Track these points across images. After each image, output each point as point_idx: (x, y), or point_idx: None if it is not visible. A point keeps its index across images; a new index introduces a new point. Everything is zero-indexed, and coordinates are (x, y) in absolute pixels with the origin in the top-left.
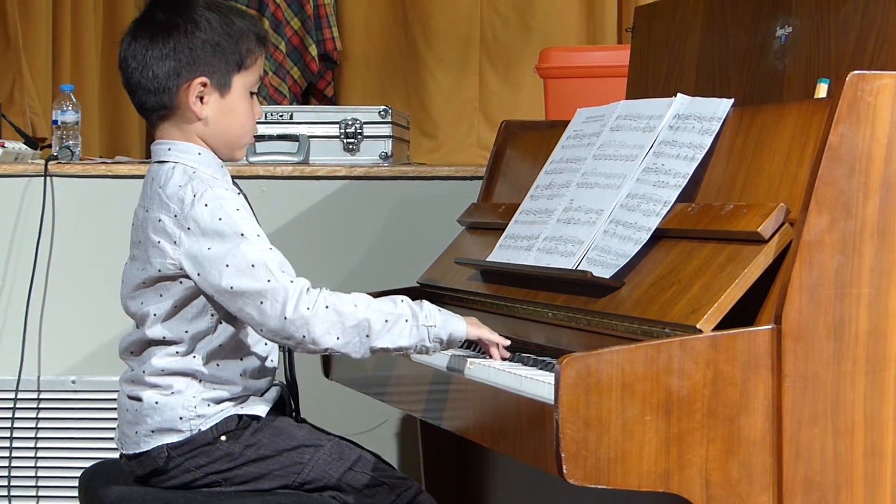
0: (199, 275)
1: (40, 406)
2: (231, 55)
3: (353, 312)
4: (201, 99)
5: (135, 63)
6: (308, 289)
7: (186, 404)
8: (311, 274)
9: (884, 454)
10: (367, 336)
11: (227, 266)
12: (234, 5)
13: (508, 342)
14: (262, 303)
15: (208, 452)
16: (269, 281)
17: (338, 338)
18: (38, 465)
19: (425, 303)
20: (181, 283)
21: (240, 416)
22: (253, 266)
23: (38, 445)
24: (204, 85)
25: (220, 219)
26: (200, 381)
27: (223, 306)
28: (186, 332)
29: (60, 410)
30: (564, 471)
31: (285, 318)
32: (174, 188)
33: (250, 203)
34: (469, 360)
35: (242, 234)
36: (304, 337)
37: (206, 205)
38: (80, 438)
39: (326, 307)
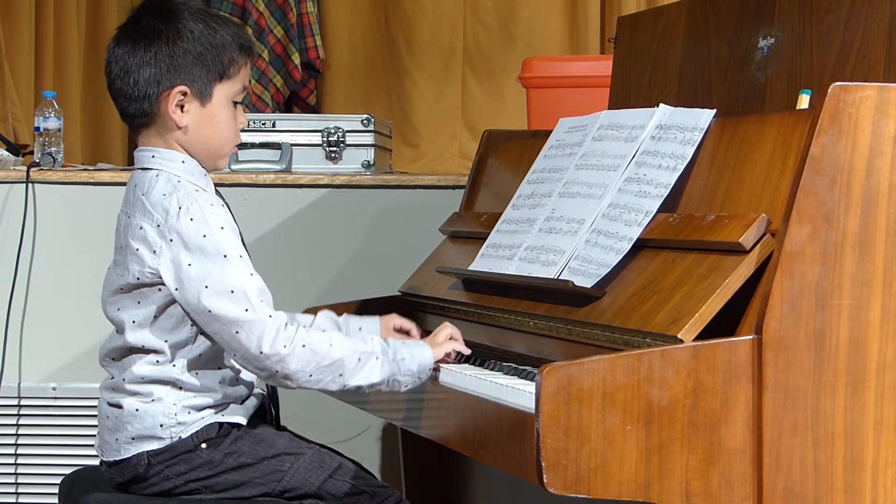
0: (177, 289)
1: (21, 413)
2: (213, 65)
3: (328, 352)
4: (181, 107)
5: (117, 69)
6: (286, 325)
7: (167, 412)
8: (294, 282)
9: (864, 465)
10: (341, 375)
11: (207, 287)
12: (221, 14)
13: (468, 351)
14: (237, 332)
15: (188, 460)
16: (246, 310)
17: (311, 375)
18: (19, 472)
19: (390, 339)
20: (160, 290)
21: (220, 424)
22: (232, 292)
23: (19, 452)
24: (184, 94)
25: (204, 235)
26: (180, 388)
27: (198, 324)
28: (166, 341)
29: (41, 417)
30: (545, 480)
31: (261, 352)
32: (158, 196)
33: (232, 212)
34: (449, 368)
35: (225, 256)
36: (277, 372)
37: (191, 219)
38: (61, 445)
39: (303, 346)
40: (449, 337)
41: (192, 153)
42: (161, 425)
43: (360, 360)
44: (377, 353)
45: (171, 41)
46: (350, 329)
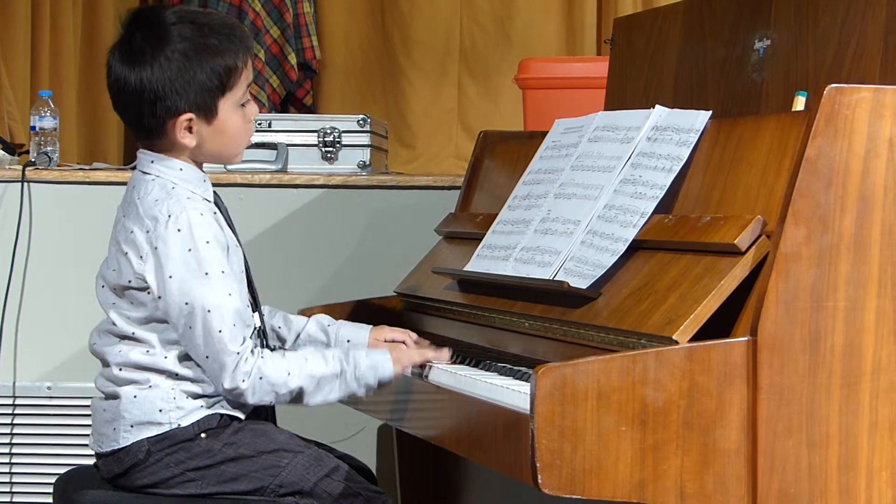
0: (160, 297)
1: (15, 412)
2: (212, 83)
3: (286, 382)
4: (189, 129)
5: (123, 97)
6: (247, 357)
7: (165, 396)
8: (290, 283)
9: (858, 467)
10: (300, 396)
11: (186, 304)
12: (212, 20)
13: (443, 356)
14: (207, 357)
15: (188, 448)
16: (220, 332)
17: (271, 401)
18: (13, 471)
19: (352, 351)
20: (148, 293)
21: (221, 415)
22: (209, 312)
23: (13, 451)
24: (189, 120)
25: (189, 250)
26: (175, 377)
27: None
28: (157, 337)
29: (36, 417)
30: (539, 481)
31: (223, 385)
32: (150, 202)
33: (229, 214)
34: (444, 369)
35: (207, 274)
36: (236, 398)
37: (178, 230)
38: (56, 445)
39: (260, 378)
40: (412, 360)
41: (205, 160)
42: (160, 410)
43: (318, 383)
44: (336, 373)
45: (167, 68)
46: (338, 339)
